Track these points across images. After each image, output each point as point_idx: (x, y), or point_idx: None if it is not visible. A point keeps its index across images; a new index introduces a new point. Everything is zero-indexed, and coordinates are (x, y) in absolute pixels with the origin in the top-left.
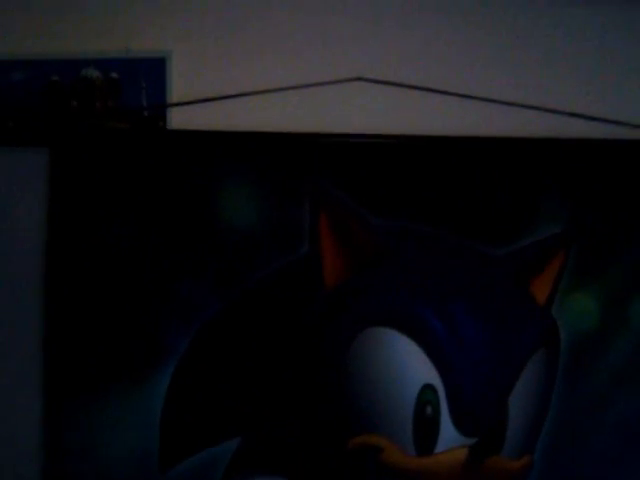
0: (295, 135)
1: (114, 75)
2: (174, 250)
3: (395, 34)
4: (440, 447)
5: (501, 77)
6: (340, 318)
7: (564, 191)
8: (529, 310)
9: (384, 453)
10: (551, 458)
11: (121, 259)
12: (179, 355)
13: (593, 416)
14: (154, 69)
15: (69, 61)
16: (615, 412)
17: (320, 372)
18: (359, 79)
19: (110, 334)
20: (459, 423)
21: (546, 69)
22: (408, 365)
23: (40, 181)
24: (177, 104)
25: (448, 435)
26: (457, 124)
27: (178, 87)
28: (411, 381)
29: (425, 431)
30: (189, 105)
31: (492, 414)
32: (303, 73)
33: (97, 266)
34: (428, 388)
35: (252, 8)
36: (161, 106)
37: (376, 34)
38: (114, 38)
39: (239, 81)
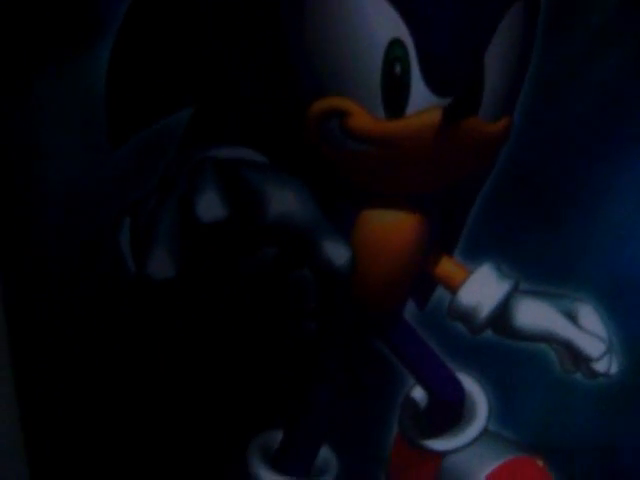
0: None
1: None
2: None
3: None
4: (412, 109)
5: None
6: None
7: None
8: None
9: (351, 117)
10: (531, 121)
11: None
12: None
13: (574, 76)
14: None
15: None
16: (597, 73)
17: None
18: None
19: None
20: (431, 80)
21: None
22: (371, 18)
23: None
24: None
25: (420, 95)
26: None
27: None
28: (376, 36)
29: (394, 91)
30: None
31: (466, 69)
32: None
33: None
34: (396, 43)
35: None
36: None
37: None
38: None
39: None
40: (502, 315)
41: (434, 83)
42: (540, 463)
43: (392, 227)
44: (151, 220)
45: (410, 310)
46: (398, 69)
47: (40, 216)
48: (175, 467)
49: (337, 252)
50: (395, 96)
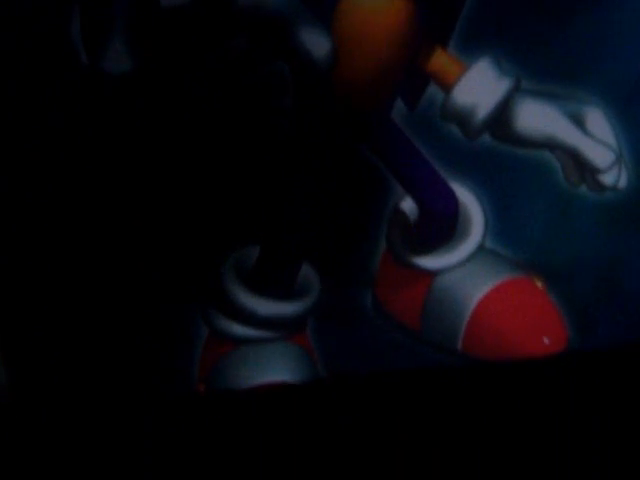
0: None
1: None
2: None
3: None
4: None
5: None
6: None
7: None
8: None
9: None
10: None
11: None
12: None
13: None
14: None
15: None
16: None
17: None
18: None
19: None
20: None
21: None
22: None
23: None
24: None
25: None
26: None
27: None
28: None
29: None
30: None
31: None
32: None
33: None
34: None
35: None
36: None
37: None
38: None
39: None
40: (501, 117)
41: None
42: (539, 284)
43: (376, 12)
44: (104, 7)
45: (399, 111)
46: None
47: None
48: (151, 286)
49: (316, 41)
50: None
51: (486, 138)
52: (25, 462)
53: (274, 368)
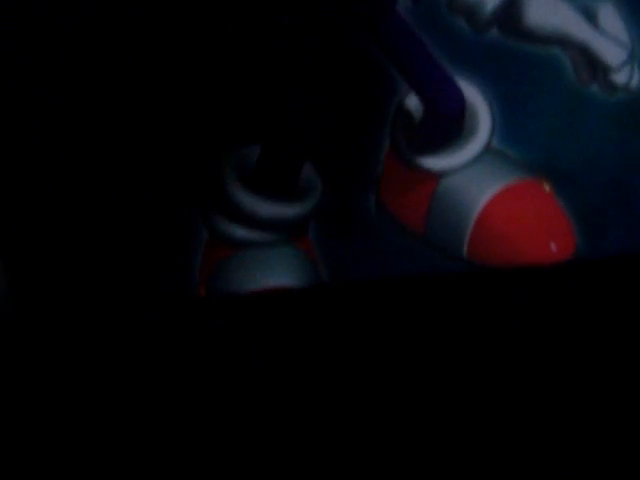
0: None
1: None
2: None
3: None
4: None
5: None
6: None
7: None
8: None
9: None
10: None
11: None
12: None
13: None
14: None
15: None
16: None
17: None
18: None
19: None
20: None
21: None
22: None
23: None
24: None
25: None
26: None
27: None
28: None
29: None
30: None
31: None
32: None
33: None
34: None
35: None
36: None
37: None
38: None
39: None
40: (510, 9)
41: None
42: (547, 188)
43: None
44: None
45: (404, 3)
46: None
47: None
48: (151, 189)
49: None
50: None
51: (494, 33)
52: (26, 371)
53: (275, 272)
